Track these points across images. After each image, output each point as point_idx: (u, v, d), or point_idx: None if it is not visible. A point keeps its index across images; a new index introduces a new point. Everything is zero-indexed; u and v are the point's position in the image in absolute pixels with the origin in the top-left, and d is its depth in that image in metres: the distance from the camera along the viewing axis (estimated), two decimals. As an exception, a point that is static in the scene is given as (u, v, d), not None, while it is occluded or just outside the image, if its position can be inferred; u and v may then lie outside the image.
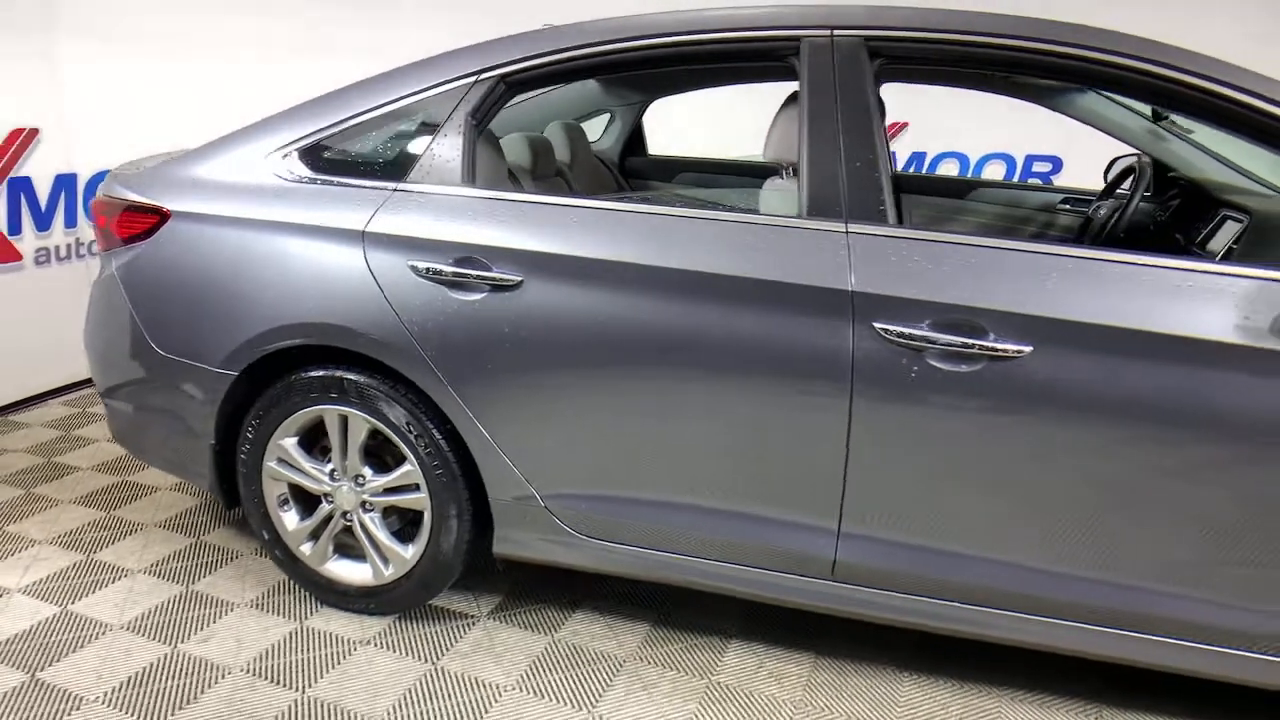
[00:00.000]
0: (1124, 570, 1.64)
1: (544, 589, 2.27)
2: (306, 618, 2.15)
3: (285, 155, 2.07)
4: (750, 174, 3.13)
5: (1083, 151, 5.47)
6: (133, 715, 1.80)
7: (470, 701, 1.86)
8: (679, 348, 1.75)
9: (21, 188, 3.43)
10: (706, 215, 1.78)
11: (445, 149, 1.95)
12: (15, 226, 3.43)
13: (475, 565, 2.21)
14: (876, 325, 1.62)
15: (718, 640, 2.08)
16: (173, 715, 1.80)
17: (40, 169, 3.49)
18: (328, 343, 1.97)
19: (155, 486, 2.82)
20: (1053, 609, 1.70)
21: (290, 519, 2.17)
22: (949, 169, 5.61)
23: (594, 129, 3.58)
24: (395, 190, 1.95)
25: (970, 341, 1.57)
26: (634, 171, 3.36)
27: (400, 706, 1.84)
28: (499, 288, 1.83)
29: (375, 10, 4.73)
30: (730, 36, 1.83)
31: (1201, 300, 1.51)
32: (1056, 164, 5.53)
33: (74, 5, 3.50)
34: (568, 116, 3.23)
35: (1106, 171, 2.91)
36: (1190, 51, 1.63)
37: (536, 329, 1.82)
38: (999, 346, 1.56)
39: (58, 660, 1.96)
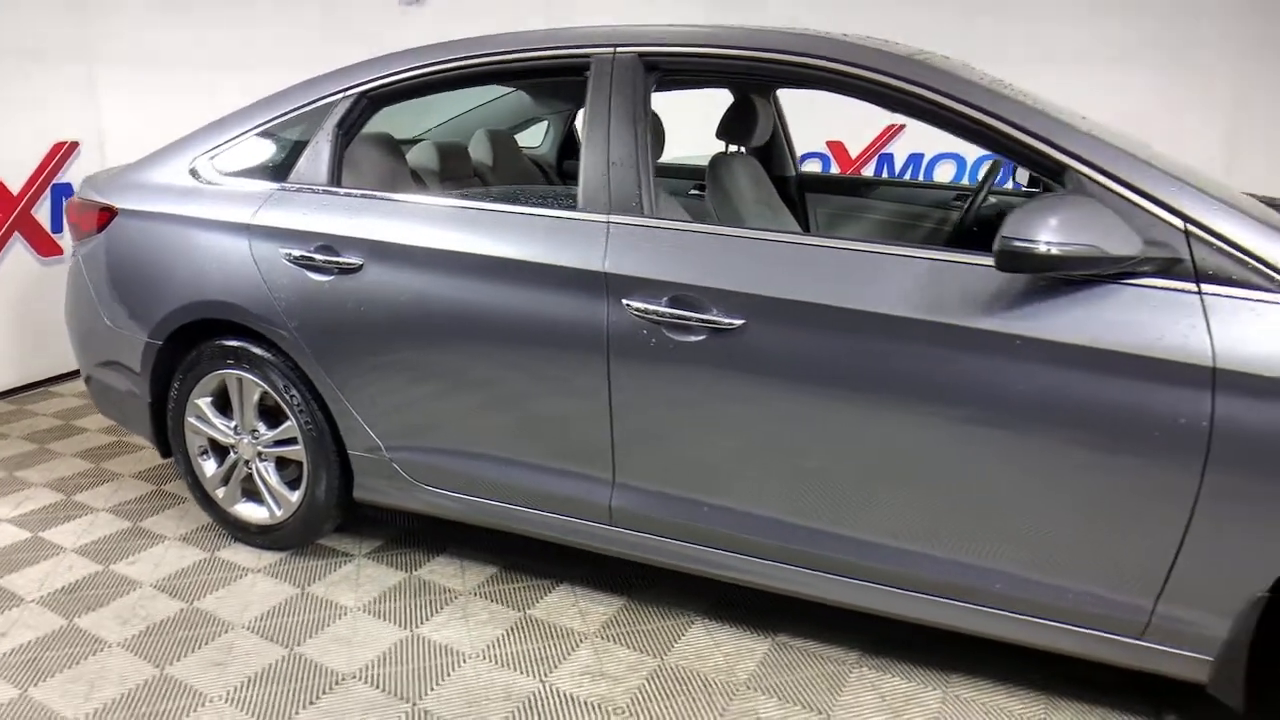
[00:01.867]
0: (842, 522, 1.83)
1: (420, 537, 2.61)
2: (219, 550, 2.56)
3: (202, 161, 2.48)
4: (676, 175, 3.38)
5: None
6: (60, 613, 2.23)
7: (318, 619, 2.21)
8: (482, 322, 2.05)
9: (64, 192, 4.03)
10: (506, 209, 2.08)
11: (316, 154, 2.31)
12: (58, 225, 4.03)
13: (375, 517, 2.57)
14: (625, 302, 1.88)
15: (564, 586, 2.36)
16: (84, 614, 2.23)
17: (80, 176, 4.08)
18: (224, 317, 2.36)
19: (143, 445, 3.32)
20: (801, 559, 1.90)
21: (209, 467, 2.58)
22: (946, 170, 5.68)
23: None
24: (277, 189, 2.34)
25: (695, 315, 1.81)
26: (570, 173, 3.67)
27: (261, 618, 2.21)
28: (344, 271, 2.18)
29: (392, 30, 5.20)
30: (540, 54, 2.13)
31: (888, 279, 1.70)
32: (1054, 163, 5.49)
33: (109, 36, 4.10)
34: (508, 125, 3.58)
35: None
36: (920, 62, 1.81)
37: (374, 306, 2.16)
38: (718, 320, 1.80)
39: (12, 571, 2.43)
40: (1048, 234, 1.46)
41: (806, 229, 3.22)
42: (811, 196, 3.31)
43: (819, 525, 1.86)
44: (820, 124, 5.69)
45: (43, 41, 3.88)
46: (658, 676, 1.98)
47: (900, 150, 5.82)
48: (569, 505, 2.11)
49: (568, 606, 2.26)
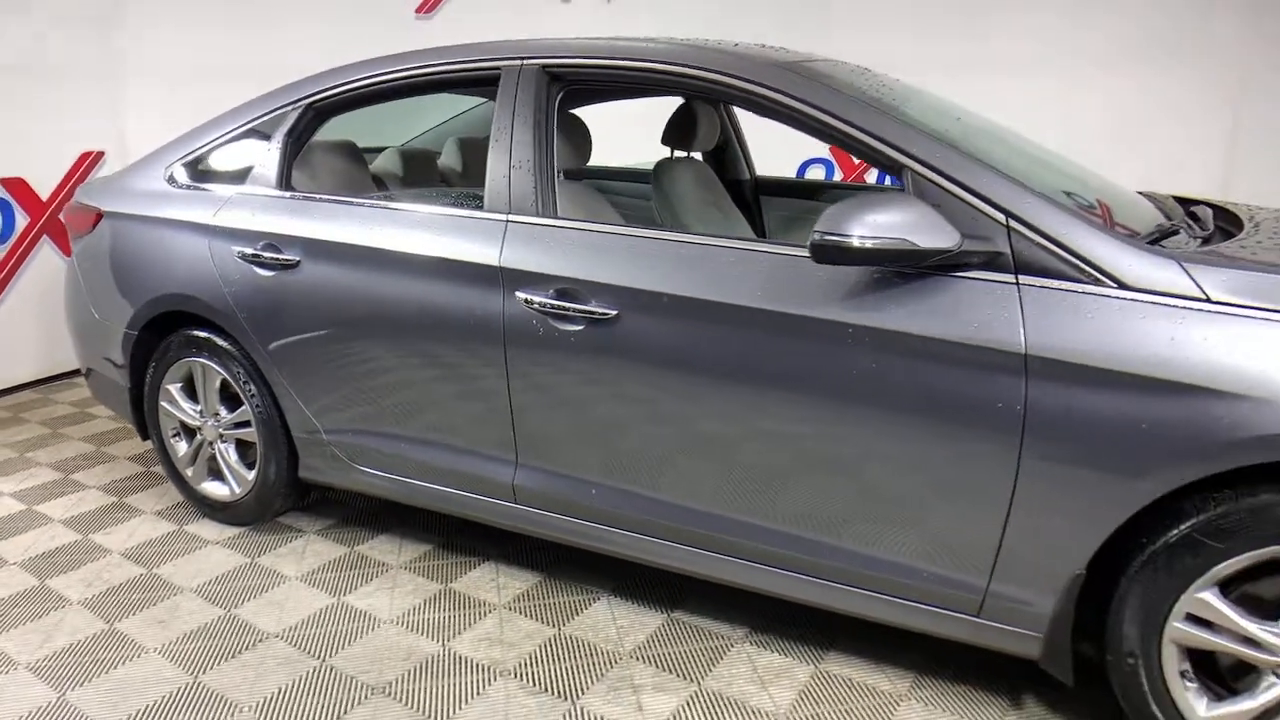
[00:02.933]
0: (706, 500, 1.94)
1: (368, 518, 2.80)
2: (187, 524, 2.79)
3: (176, 167, 2.72)
4: (644, 179, 3.51)
5: (1081, 150, 5.40)
6: (36, 575, 2.48)
7: (259, 585, 2.41)
8: (399, 313, 2.22)
9: (89, 199, 4.36)
10: (421, 208, 2.25)
11: (268, 160, 2.53)
12: (83, 229, 4.36)
13: (334, 499, 2.77)
14: (517, 294, 2.03)
15: (489, 563, 2.51)
16: (56, 576, 2.47)
17: (104, 184, 4.43)
18: (187, 310, 2.59)
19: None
20: (673, 535, 2.01)
21: (181, 448, 2.81)
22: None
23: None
24: (235, 193, 2.56)
25: (576, 306, 1.95)
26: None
27: (208, 584, 2.42)
28: (284, 267, 2.38)
29: (406, 41, 5.46)
30: (458, 66, 2.31)
31: (744, 272, 1.81)
32: (1056, 165, 5.48)
33: (132, 53, 4.43)
34: (483, 132, 3.76)
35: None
36: (779, 70, 1.90)
37: (308, 299, 2.36)
38: (595, 311, 1.93)
39: (3, 539, 2.69)
40: (860, 229, 1.56)
41: (761, 232, 3.32)
42: (767, 200, 3.41)
43: (687, 503, 1.97)
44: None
45: (71, 59, 4.23)
46: (551, 644, 2.12)
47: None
48: (481, 485, 2.26)
49: (487, 581, 2.41)
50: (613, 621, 2.21)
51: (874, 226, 1.56)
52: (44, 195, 4.22)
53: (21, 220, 4.15)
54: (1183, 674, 1.59)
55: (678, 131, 2.89)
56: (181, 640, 2.16)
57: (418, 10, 5.55)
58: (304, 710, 1.90)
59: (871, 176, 5.88)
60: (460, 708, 1.90)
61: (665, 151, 2.84)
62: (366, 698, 1.94)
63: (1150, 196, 2.42)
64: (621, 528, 2.07)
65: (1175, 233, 1.84)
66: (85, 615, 2.28)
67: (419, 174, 3.16)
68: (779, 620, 2.18)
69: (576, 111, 2.63)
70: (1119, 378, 1.49)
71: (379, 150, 3.29)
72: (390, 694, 1.95)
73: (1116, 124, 5.19)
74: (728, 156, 3.35)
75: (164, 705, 1.93)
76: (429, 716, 1.87)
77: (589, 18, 5.56)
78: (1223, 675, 1.60)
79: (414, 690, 1.96)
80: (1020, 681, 1.93)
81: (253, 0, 4.73)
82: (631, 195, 3.28)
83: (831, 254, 1.59)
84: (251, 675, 2.03)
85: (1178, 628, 1.56)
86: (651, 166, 2.82)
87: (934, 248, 1.57)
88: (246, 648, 2.13)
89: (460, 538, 2.64)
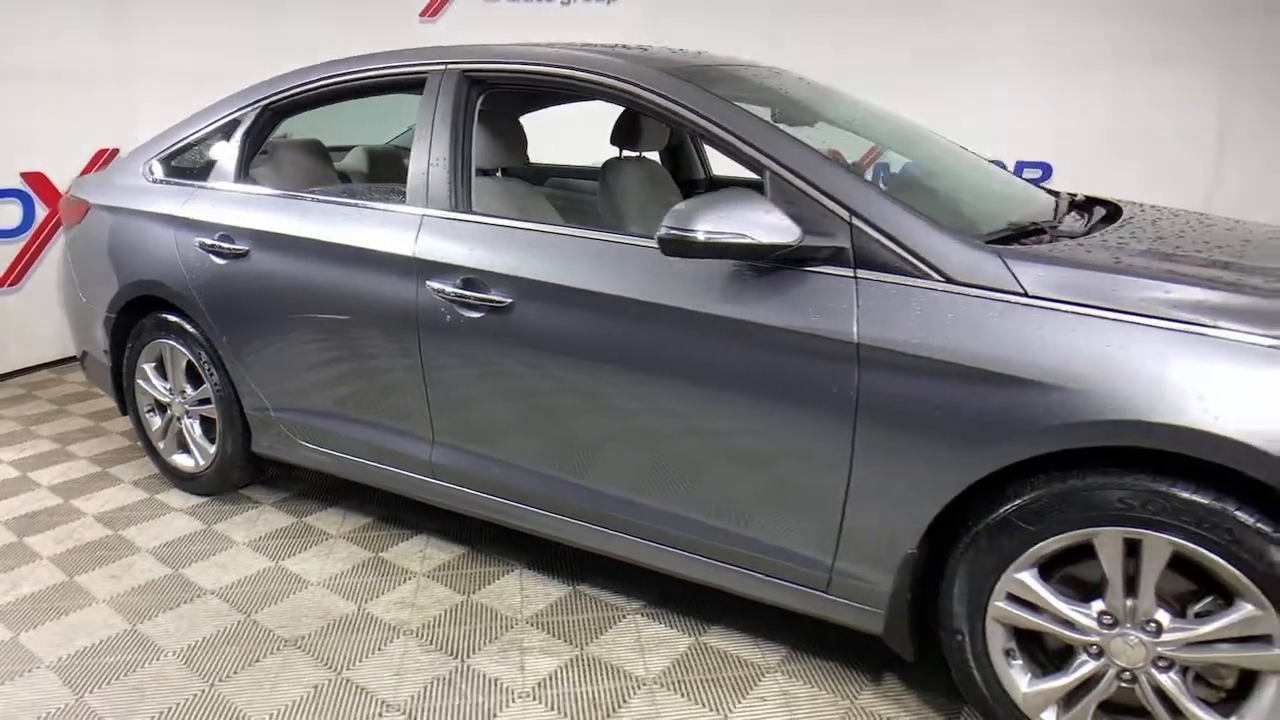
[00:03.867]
0: (598, 480, 2.07)
1: (322, 492, 2.98)
2: (158, 493, 3.01)
3: (151, 163, 2.94)
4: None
5: (1071, 158, 5.41)
6: (15, 533, 2.72)
7: (208, 549, 2.61)
8: (331, 299, 2.40)
9: (105, 192, 4.66)
10: (350, 202, 2.43)
11: (227, 158, 2.73)
12: (100, 221, 4.66)
13: (298, 475, 2.97)
14: (428, 283, 2.18)
15: (421, 535, 2.68)
16: (32, 535, 2.71)
17: (120, 178, 4.72)
18: (156, 294, 2.81)
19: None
20: (579, 514, 2.15)
21: (155, 422, 3.04)
22: (945, 175, 5.69)
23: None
24: (199, 187, 2.76)
25: (477, 295, 2.10)
26: (510, 175, 3.98)
27: (164, 546, 2.63)
28: (236, 256, 2.58)
29: (412, 42, 5.68)
30: (391, 70, 2.47)
31: (621, 265, 1.94)
32: (1046, 170, 5.49)
33: (145, 56, 4.72)
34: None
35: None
36: (658, 75, 2.01)
37: (257, 286, 2.55)
38: (494, 299, 2.08)
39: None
40: (704, 224, 1.68)
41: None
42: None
43: (575, 480, 2.11)
44: (822, 134, 5.85)
45: (88, 62, 4.53)
46: (457, 609, 2.27)
47: (895, 158, 5.87)
48: (404, 461, 2.43)
49: (415, 552, 2.58)
50: (520, 591, 2.35)
51: (717, 222, 1.68)
52: (62, 189, 4.51)
53: (41, 212, 4.46)
54: (1007, 651, 1.67)
55: (623, 132, 3.02)
56: (129, 593, 2.37)
57: (422, 14, 5.77)
58: (222, 656, 2.09)
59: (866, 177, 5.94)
60: (359, 661, 2.06)
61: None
62: (279, 649, 2.11)
63: (1055, 194, 2.49)
64: (521, 503, 2.22)
65: (1040, 231, 1.92)
66: (50, 569, 2.51)
67: (383, 171, 3.34)
68: (674, 597, 2.29)
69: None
70: (941, 366, 1.58)
71: (348, 149, 3.49)
72: (301, 646, 2.12)
73: (1108, 124, 5.16)
74: (682, 157, 3.47)
75: (101, 647, 2.13)
76: (330, 667, 2.04)
77: (591, 17, 5.70)
78: (1049, 652, 1.68)
79: (322, 645, 2.13)
80: (885, 661, 2.02)
81: (260, 4, 4.98)
82: (590, 193, 3.41)
83: (677, 247, 1.70)
84: (184, 625, 2.22)
85: (999, 606, 1.64)
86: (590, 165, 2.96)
87: (773, 243, 1.68)
88: (184, 602, 2.33)
89: (401, 512, 2.81)
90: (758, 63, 2.75)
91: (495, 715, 1.87)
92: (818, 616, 1.88)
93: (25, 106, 4.31)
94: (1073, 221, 2.09)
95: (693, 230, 1.68)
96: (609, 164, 2.99)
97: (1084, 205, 2.33)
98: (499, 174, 2.59)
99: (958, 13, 5.29)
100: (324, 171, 3.02)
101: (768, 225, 1.68)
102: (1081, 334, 1.50)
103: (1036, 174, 5.50)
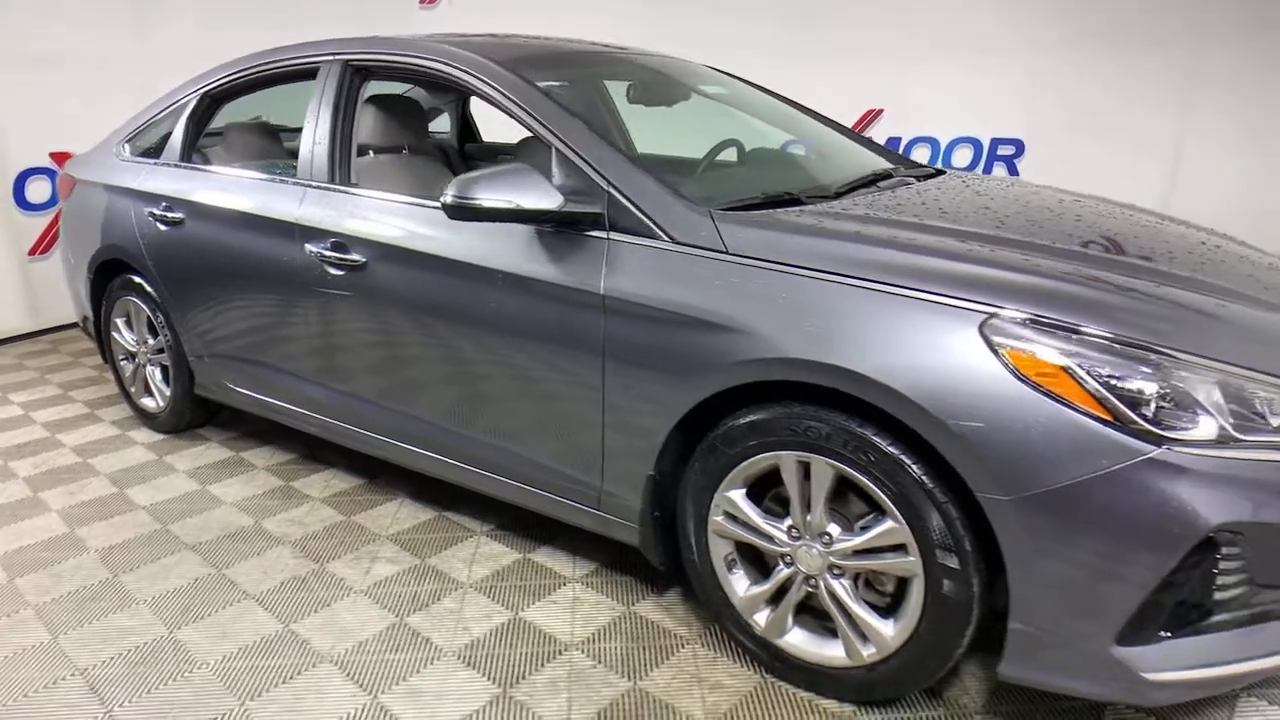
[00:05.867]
0: (429, 412, 2.41)
1: (267, 435, 3.40)
2: (130, 430, 3.49)
3: (121, 144, 3.40)
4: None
5: (1041, 135, 5.46)
6: (1, 460, 3.23)
7: (152, 475, 3.06)
8: (241, 259, 2.79)
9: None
10: (254, 175, 2.81)
11: (176, 138, 3.15)
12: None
13: (248, 420, 3.41)
14: (307, 246, 2.54)
15: (332, 469, 3.07)
16: (16, 460, 3.21)
17: (139, 158, 5.26)
18: (119, 258, 3.26)
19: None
20: (419, 443, 2.49)
21: (127, 369, 3.52)
22: (921, 153, 5.82)
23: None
24: (154, 164, 3.19)
25: (340, 255, 2.45)
26: (471, 155, 4.33)
27: (120, 471, 3.09)
28: (174, 223, 2.99)
29: (413, 28, 6.06)
30: (297, 61, 2.83)
31: (446, 229, 2.25)
32: (1019, 146, 5.56)
33: (164, 47, 5.23)
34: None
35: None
36: (471, 61, 2.33)
37: (190, 248, 2.96)
38: (353, 258, 2.42)
39: (-2, 433, 3.48)
40: (479, 192, 1.97)
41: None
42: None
43: (414, 413, 2.45)
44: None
45: (111, 52, 5.06)
46: (334, 527, 2.65)
47: (880, 134, 5.99)
48: (300, 400, 2.81)
49: (321, 482, 2.97)
50: (394, 515, 2.72)
51: (489, 190, 1.97)
52: (88, 167, 5.07)
53: (68, 188, 5.02)
54: (729, 562, 1.94)
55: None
56: (76, 506, 2.83)
57: (422, 1, 6.14)
58: (133, 555, 2.51)
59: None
60: (240, 563, 2.46)
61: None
62: (178, 551, 2.53)
63: (894, 164, 2.69)
64: (373, 432, 2.58)
65: (797, 201, 2.12)
66: (21, 486, 2.99)
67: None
68: (520, 524, 2.62)
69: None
70: (661, 314, 1.86)
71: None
72: (197, 550, 2.53)
73: (1077, 100, 5.18)
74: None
75: (40, 545, 2.58)
76: (214, 566, 2.44)
77: (587, 4, 5.92)
78: (758, 562, 1.95)
79: (214, 550, 2.54)
80: (671, 580, 2.29)
81: (264, -4, 5.44)
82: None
83: (457, 211, 2.01)
84: (111, 530, 2.66)
85: (716, 522, 1.91)
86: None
87: (537, 208, 1.97)
88: (118, 514, 2.77)
89: (322, 451, 3.21)
90: (650, 51, 3.02)
91: (330, 604, 2.24)
92: (598, 531, 2.17)
93: (54, 91, 4.86)
94: (855, 191, 2.29)
95: (471, 197, 1.98)
96: (523, 142, 3.30)
97: (896, 174, 2.53)
98: (374, 153, 2.88)
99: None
100: (273, 149, 3.42)
101: (535, 193, 1.97)
102: (759, 285, 1.75)
103: (1010, 150, 5.56)
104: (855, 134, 3.16)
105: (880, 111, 5.85)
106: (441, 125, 4.45)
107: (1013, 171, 5.56)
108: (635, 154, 3.02)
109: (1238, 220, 4.71)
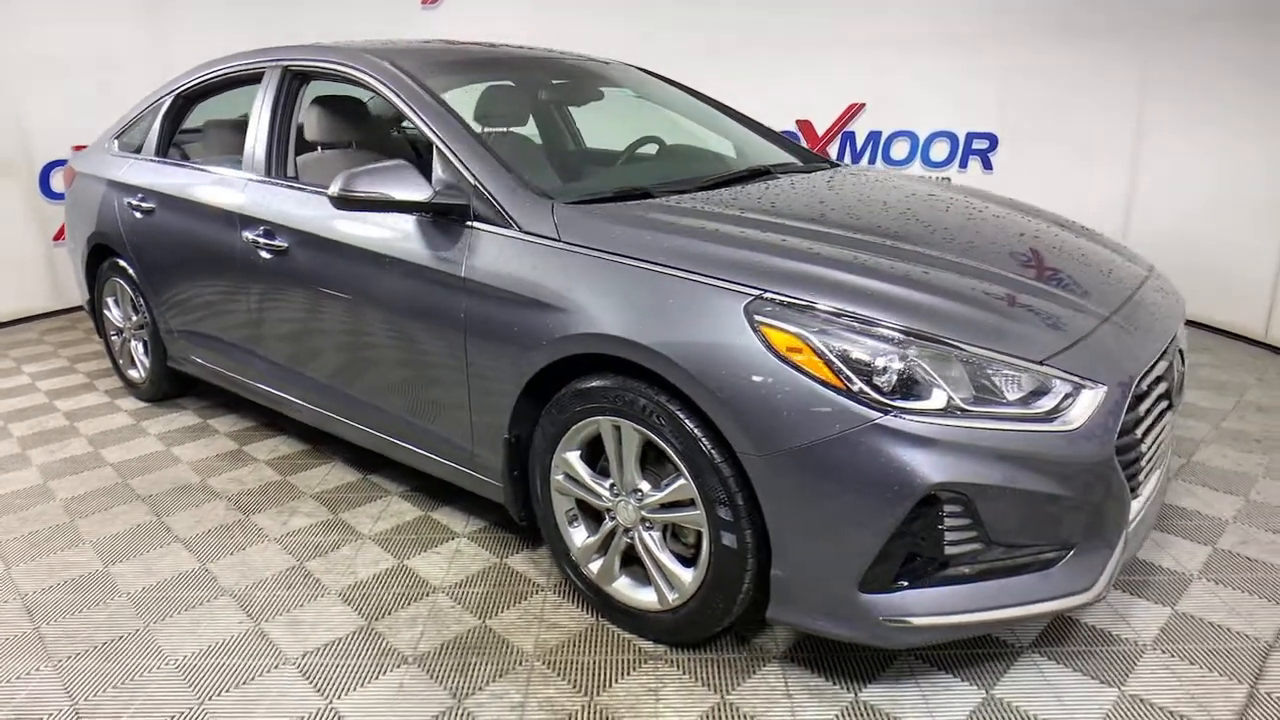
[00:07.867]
0: (338, 381, 2.69)
1: (240, 406, 3.74)
2: (118, 399, 3.87)
3: (111, 140, 3.76)
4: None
5: (1014, 130, 5.52)
6: (2, 422, 3.62)
7: (122, 435, 3.41)
8: (195, 244, 3.11)
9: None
10: (207, 169, 3.12)
11: (153, 135, 3.49)
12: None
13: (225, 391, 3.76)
14: (244, 233, 2.84)
15: (282, 436, 3.38)
16: (16, 423, 3.59)
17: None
18: (106, 244, 3.62)
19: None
20: (333, 409, 2.77)
21: (116, 343, 3.89)
22: (901, 147, 5.92)
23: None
24: (135, 159, 3.54)
25: (268, 241, 2.74)
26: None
27: (97, 434, 3.45)
28: (147, 212, 3.33)
29: (415, 29, 6.36)
30: (247, 66, 3.13)
31: (350, 216, 2.52)
32: (993, 140, 5.63)
33: (176, 48, 5.63)
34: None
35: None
36: (369, 62, 2.59)
37: (159, 234, 3.30)
38: (278, 244, 2.71)
39: None
40: (360, 184, 2.23)
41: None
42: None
43: (329, 383, 2.74)
44: (793, 105, 6.19)
45: (122, 54, 5.48)
46: (269, 487, 2.95)
47: (861, 128, 6.11)
48: (246, 372, 3.12)
49: (269, 448, 3.28)
50: (324, 477, 3.01)
51: (369, 183, 2.23)
52: (108, 160, 5.50)
53: (89, 179, 5.46)
54: (571, 516, 2.17)
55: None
56: (55, 463, 3.20)
57: (424, 1, 6.44)
58: (91, 504, 2.86)
59: (833, 149, 6.19)
60: (178, 513, 2.78)
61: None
62: (131, 501, 2.87)
63: (797, 160, 2.88)
64: (293, 397, 2.88)
65: (648, 195, 2.33)
66: (13, 444, 3.38)
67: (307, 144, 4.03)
68: (431, 488, 2.89)
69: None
70: (507, 294, 2.09)
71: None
72: (147, 502, 2.87)
73: (1044, 95, 5.23)
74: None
75: (14, 495, 2.95)
76: (156, 515, 2.77)
77: (587, 5, 6.12)
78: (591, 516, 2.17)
79: (164, 502, 2.86)
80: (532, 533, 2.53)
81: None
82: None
83: (342, 202, 2.27)
84: (78, 484, 3.01)
85: (557, 480, 2.14)
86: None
87: (408, 199, 2.22)
88: (88, 469, 3.13)
89: (280, 420, 3.53)
90: (578, 54, 3.25)
91: (245, 549, 2.54)
92: (475, 490, 2.42)
93: (77, 89, 5.30)
94: (721, 186, 2.48)
95: (354, 190, 2.24)
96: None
97: (775, 171, 2.71)
98: (321, 149, 3.16)
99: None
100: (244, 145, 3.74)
101: (407, 186, 2.22)
102: (580, 269, 1.97)
103: (985, 145, 5.62)
104: (770, 131, 3.34)
105: (863, 105, 5.96)
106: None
107: (987, 166, 5.63)
108: (570, 149, 3.27)
109: (1207, 208, 4.74)
